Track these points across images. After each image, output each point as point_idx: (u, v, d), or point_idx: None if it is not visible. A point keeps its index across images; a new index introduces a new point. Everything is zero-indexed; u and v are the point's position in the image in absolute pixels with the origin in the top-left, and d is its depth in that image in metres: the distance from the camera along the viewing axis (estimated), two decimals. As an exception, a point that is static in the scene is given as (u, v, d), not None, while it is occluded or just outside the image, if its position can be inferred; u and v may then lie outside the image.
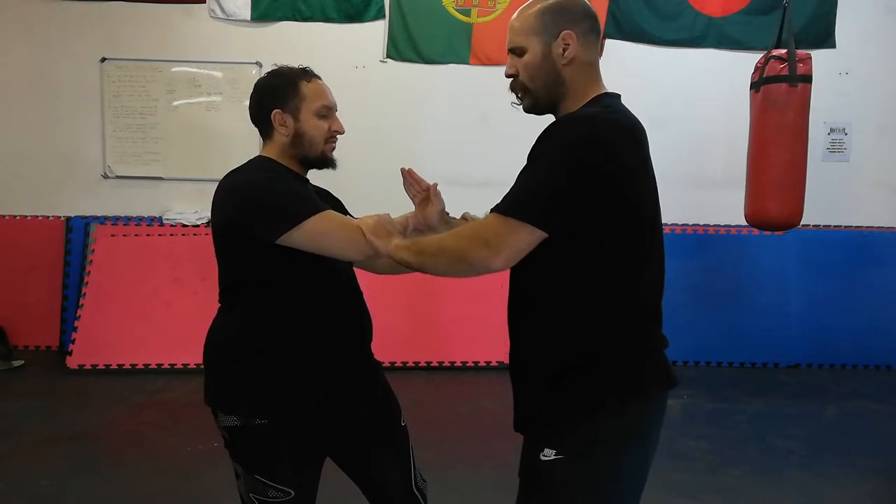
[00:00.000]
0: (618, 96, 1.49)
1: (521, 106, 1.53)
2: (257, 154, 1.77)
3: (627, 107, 1.46)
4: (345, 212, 1.90)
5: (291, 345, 1.64)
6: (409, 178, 1.75)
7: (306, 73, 1.74)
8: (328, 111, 1.73)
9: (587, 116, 1.39)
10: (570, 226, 1.32)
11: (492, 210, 1.36)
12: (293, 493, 1.63)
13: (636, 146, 1.38)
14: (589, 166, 1.30)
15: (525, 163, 1.38)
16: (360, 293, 1.81)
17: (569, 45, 1.44)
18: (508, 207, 1.33)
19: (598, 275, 1.37)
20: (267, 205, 1.57)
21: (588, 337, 1.38)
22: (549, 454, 1.37)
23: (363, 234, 1.55)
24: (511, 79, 1.50)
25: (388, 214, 1.63)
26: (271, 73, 1.75)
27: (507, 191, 1.36)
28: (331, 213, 1.60)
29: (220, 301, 1.72)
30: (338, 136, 1.77)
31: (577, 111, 1.43)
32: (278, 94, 1.70)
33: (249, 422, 1.61)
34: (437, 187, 1.73)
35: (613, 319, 1.38)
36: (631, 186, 1.35)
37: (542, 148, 1.35)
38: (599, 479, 1.37)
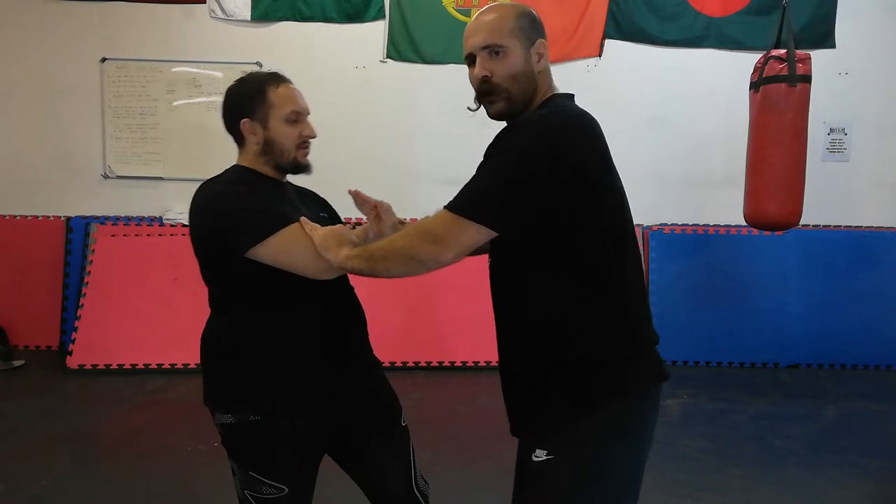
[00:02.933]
0: (570, 96, 1.50)
1: (484, 110, 1.50)
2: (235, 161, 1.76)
3: (579, 105, 1.47)
4: (333, 213, 1.89)
5: (283, 344, 1.65)
6: (358, 198, 1.71)
7: (275, 79, 1.71)
8: (298, 116, 1.70)
9: (539, 119, 1.39)
10: (523, 226, 1.33)
11: (444, 207, 1.36)
12: (286, 489, 1.64)
13: (590, 143, 1.37)
14: (540, 167, 1.30)
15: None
16: (351, 288, 1.80)
17: (542, 54, 1.47)
18: (459, 205, 1.34)
19: (570, 274, 1.37)
20: (234, 220, 1.57)
21: (571, 336, 1.38)
22: (540, 455, 1.37)
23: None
24: (481, 81, 1.45)
25: (343, 226, 1.61)
26: (239, 81, 1.72)
27: (460, 189, 1.37)
28: (294, 229, 1.57)
29: (210, 306, 1.73)
30: (310, 141, 1.74)
31: (530, 114, 1.44)
32: (246, 102, 1.68)
33: (244, 418, 1.63)
34: (386, 204, 1.68)
35: (594, 318, 1.38)
36: (588, 185, 1.34)
37: (496, 149, 1.36)
38: (590, 478, 1.37)
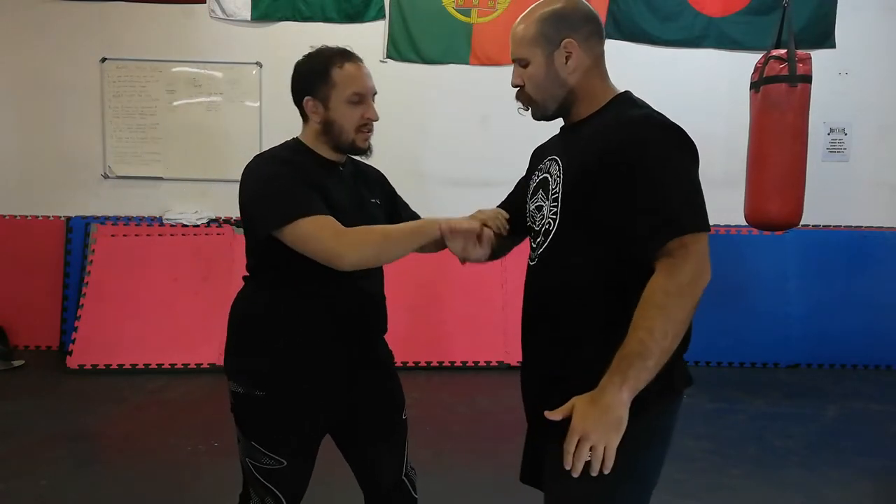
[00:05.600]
0: (628, 98, 1.48)
1: (528, 113, 1.52)
2: (291, 138, 1.78)
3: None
4: (386, 197, 1.90)
5: (301, 325, 1.67)
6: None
7: (341, 57, 1.68)
8: (361, 98, 1.69)
9: (663, 120, 1.37)
10: None
11: (670, 236, 1.27)
12: (286, 462, 1.68)
13: None
14: (697, 159, 1.35)
15: (591, 172, 1.35)
16: (378, 279, 1.79)
17: (571, 53, 1.42)
18: (695, 223, 1.28)
19: (643, 272, 1.31)
20: (264, 200, 1.60)
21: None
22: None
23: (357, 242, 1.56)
24: (517, 88, 1.50)
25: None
26: (307, 56, 1.72)
27: (648, 207, 1.29)
28: (317, 220, 1.55)
29: (246, 269, 1.76)
30: (373, 124, 1.74)
31: (642, 114, 1.38)
32: (310, 80, 1.69)
33: (250, 391, 1.66)
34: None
35: None
36: None
37: (656, 153, 1.31)
38: (629, 478, 1.34)
